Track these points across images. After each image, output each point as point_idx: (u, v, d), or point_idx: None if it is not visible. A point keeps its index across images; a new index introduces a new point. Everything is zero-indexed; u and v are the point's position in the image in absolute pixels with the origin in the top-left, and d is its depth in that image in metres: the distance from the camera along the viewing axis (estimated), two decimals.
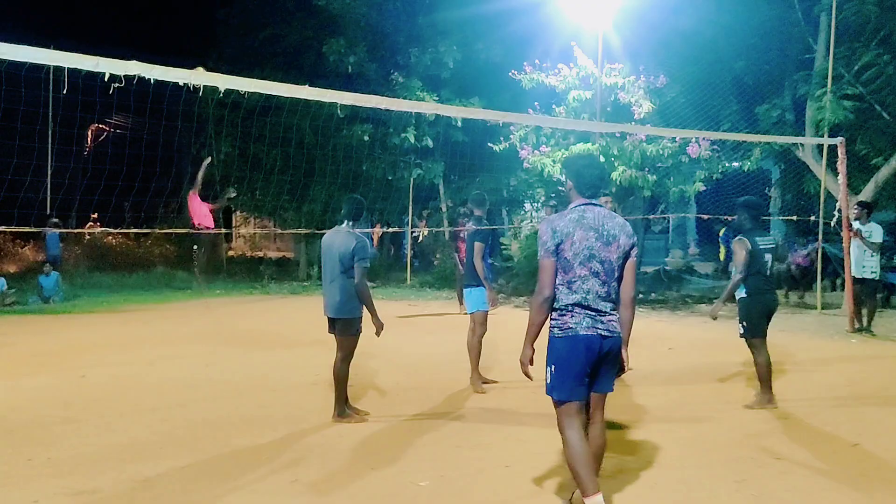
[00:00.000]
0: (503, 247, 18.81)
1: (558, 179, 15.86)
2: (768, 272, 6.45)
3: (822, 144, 12.90)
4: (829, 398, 6.81)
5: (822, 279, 13.48)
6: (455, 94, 16.48)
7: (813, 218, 13.59)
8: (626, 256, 3.95)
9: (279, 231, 20.58)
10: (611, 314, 3.86)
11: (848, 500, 4.30)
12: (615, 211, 14.66)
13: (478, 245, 7.14)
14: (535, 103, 14.27)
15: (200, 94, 5.48)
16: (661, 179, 14.22)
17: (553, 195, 16.05)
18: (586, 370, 3.80)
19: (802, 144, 14.22)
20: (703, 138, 13.37)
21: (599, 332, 3.78)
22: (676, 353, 9.33)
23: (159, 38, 24.69)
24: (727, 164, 14.75)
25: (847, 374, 7.91)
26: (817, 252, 13.64)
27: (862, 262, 10.53)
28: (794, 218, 15.11)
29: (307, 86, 6.20)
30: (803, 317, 12.53)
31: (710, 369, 8.14)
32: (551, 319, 3.87)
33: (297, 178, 15.24)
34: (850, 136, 12.94)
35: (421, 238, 19.62)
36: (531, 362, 3.91)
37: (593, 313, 3.79)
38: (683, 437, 5.54)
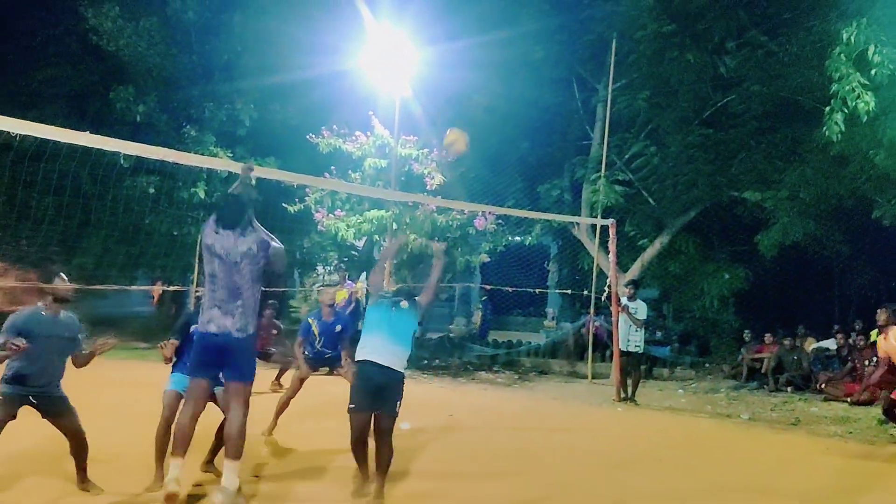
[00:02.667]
0: (292, 309, 18.47)
1: (352, 244, 15.97)
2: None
3: (596, 224, 13.96)
4: (594, 464, 7.23)
5: (593, 350, 14.40)
6: (250, 152, 16.15)
7: (586, 292, 14.57)
8: None
9: (42, 285, 18.87)
10: None
11: None
12: (405, 280, 15.03)
13: None
14: (332, 168, 14.32)
15: None
16: (448, 249, 14.70)
17: (346, 259, 16.09)
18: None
19: (578, 223, 15.37)
20: (490, 212, 14.05)
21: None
22: (455, 419, 9.53)
23: None
24: (510, 238, 15.61)
25: (610, 440, 8.46)
26: (589, 325, 14.61)
27: (628, 336, 11.30)
28: (570, 291, 16.17)
29: (88, 132, 5.83)
30: (575, 386, 13.31)
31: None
32: None
33: (70, 229, 14.13)
34: (621, 217, 14.16)
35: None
36: None
37: None
38: None
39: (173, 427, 5.29)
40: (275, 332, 12.20)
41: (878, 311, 8.69)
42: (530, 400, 11.63)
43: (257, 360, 5.59)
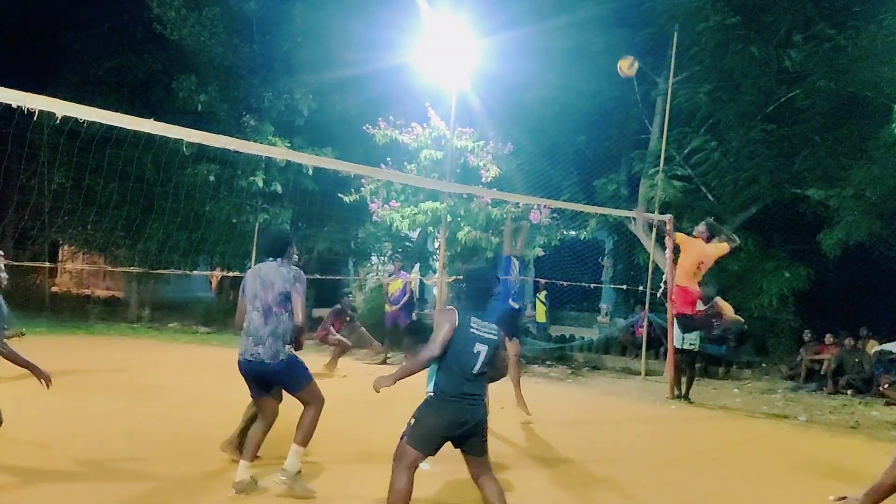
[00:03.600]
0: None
1: (406, 234, 16.05)
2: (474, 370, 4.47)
3: (653, 220, 13.80)
4: (647, 461, 7.16)
5: (647, 347, 14.26)
6: (308, 142, 16.37)
7: (641, 288, 14.42)
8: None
9: (109, 268, 19.41)
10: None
11: None
12: (458, 272, 15.09)
13: None
14: (388, 158, 14.44)
15: (35, 118, 5.15)
16: (503, 242, 14.67)
17: (400, 249, 16.20)
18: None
19: (635, 218, 15.17)
20: (545, 206, 13.98)
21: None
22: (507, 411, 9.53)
23: None
24: (565, 232, 15.50)
25: (663, 438, 8.37)
26: (643, 321, 14.45)
27: (683, 334, 11.20)
28: (624, 287, 16.00)
29: (152, 119, 5.98)
30: (628, 382, 13.18)
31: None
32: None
33: (133, 215, 14.51)
34: (678, 213, 13.93)
35: None
36: None
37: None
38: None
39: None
40: (346, 318, 12.60)
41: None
42: (583, 395, 11.58)
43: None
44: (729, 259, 15.88)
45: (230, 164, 15.71)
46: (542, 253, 15.14)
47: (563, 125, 15.61)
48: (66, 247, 22.65)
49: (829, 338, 14.12)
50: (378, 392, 4.46)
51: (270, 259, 5.47)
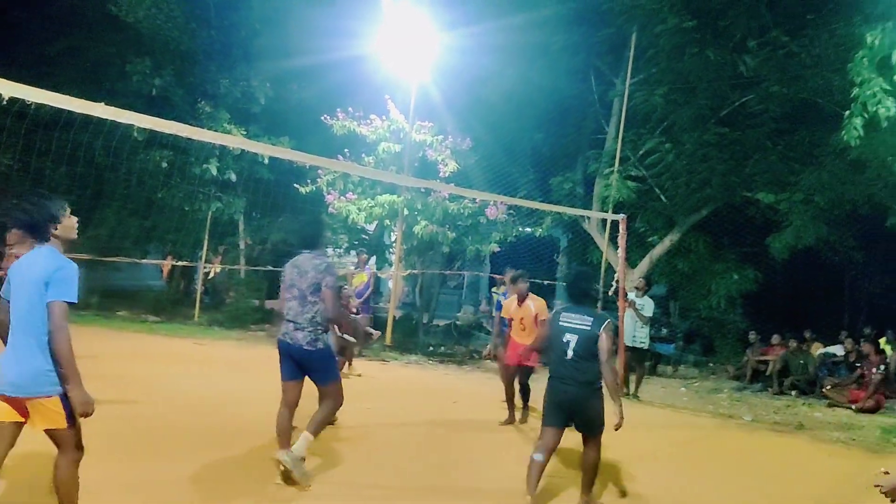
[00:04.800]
0: None
1: (362, 227, 15.95)
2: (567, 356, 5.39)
3: (607, 219, 13.92)
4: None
5: None
6: (264, 130, 16.16)
7: None
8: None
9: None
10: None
11: None
12: (414, 266, 15.03)
13: None
14: (346, 150, 14.33)
15: None
16: (459, 237, 14.73)
17: (356, 242, 16.10)
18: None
19: (589, 217, 15.31)
20: (501, 202, 14.03)
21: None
22: (459, 406, 9.56)
23: None
24: (521, 229, 15.57)
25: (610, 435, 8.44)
26: None
27: (633, 332, 11.33)
28: None
29: (103, 104, 5.81)
30: None
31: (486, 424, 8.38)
32: None
33: (83, 200, 14.18)
34: (632, 213, 14.08)
35: (213, 274, 18.87)
36: None
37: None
38: None
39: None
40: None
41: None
42: (533, 391, 11.60)
43: None
44: (679, 260, 16.21)
45: (184, 151, 15.43)
46: (498, 249, 15.21)
47: (521, 122, 15.69)
48: (13, 230, 22.00)
49: (775, 338, 14.41)
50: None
51: (306, 251, 5.72)
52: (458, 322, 19.74)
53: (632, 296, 11.50)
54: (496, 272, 17.67)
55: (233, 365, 11.26)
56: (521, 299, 8.47)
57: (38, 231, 3.82)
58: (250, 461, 6.01)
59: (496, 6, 14.14)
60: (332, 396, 5.59)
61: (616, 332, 9.65)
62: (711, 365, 15.83)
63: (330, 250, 19.47)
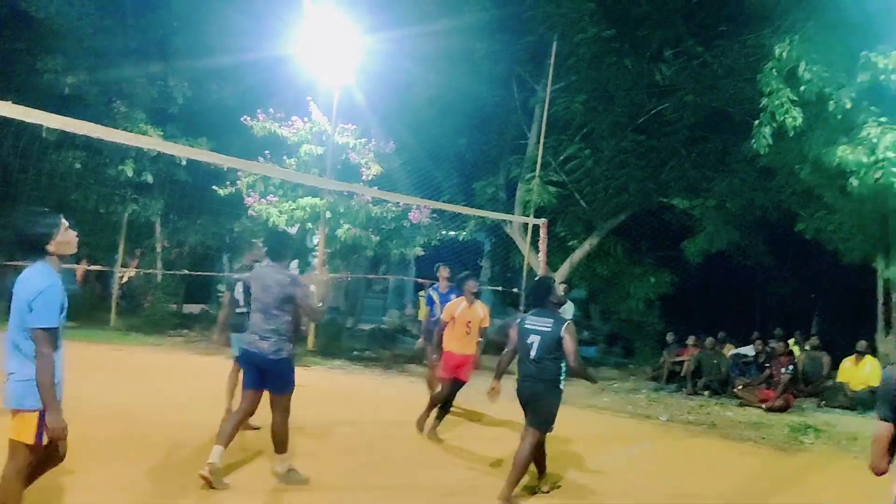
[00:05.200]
0: (219, 294, 18.15)
1: (283, 230, 15.72)
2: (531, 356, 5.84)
3: (528, 223, 14.09)
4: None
5: None
6: (182, 131, 15.76)
7: (516, 290, 14.71)
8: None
9: None
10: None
11: None
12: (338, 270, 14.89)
13: None
14: (266, 152, 14.09)
15: None
16: (383, 241, 14.69)
17: None
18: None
19: (511, 221, 15.48)
20: (425, 206, 14.04)
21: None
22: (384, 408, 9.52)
23: None
24: (445, 233, 15.64)
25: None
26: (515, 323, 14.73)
27: None
28: (500, 288, 16.30)
29: (10, 102, 5.58)
30: (502, 382, 13.37)
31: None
32: None
33: None
34: (552, 218, 14.31)
35: (127, 279, 18.31)
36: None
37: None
38: None
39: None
40: None
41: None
42: (459, 395, 11.63)
43: None
44: (598, 263, 16.54)
45: (98, 152, 14.95)
46: (423, 252, 15.22)
47: (445, 127, 15.76)
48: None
49: (691, 339, 14.77)
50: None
51: (269, 262, 5.81)
52: (383, 326, 19.68)
53: None
54: (421, 276, 17.68)
55: (155, 372, 10.96)
56: (471, 301, 8.09)
57: (29, 249, 3.87)
58: (187, 469, 5.86)
59: (420, 12, 14.17)
60: (286, 408, 5.71)
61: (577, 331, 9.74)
62: (631, 366, 16.16)
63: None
